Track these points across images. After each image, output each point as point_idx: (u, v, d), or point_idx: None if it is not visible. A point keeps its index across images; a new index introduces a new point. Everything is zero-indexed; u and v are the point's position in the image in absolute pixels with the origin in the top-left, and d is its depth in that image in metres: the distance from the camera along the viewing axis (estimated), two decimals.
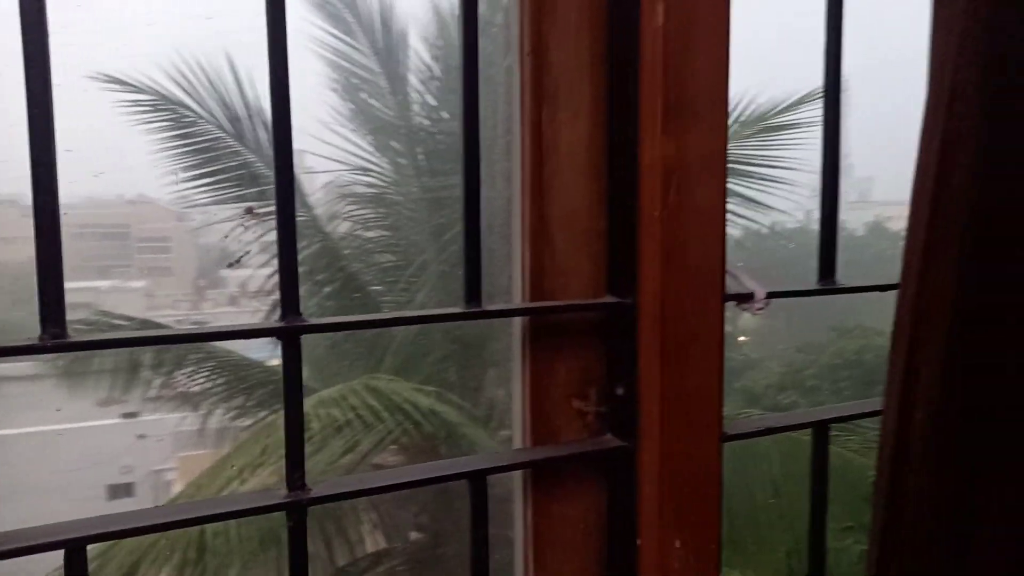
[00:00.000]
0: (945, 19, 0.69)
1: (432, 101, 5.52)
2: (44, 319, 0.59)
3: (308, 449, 4.04)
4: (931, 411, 0.74)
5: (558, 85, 0.78)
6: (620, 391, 0.79)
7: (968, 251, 0.71)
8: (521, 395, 0.80)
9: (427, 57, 5.50)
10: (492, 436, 4.75)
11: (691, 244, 0.75)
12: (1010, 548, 0.72)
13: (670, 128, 0.74)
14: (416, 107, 5.53)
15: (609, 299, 0.79)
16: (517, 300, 0.80)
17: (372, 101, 5.50)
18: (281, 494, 0.67)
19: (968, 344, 0.72)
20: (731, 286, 0.80)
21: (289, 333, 0.66)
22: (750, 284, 0.80)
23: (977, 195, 0.71)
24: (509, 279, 0.82)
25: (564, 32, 0.78)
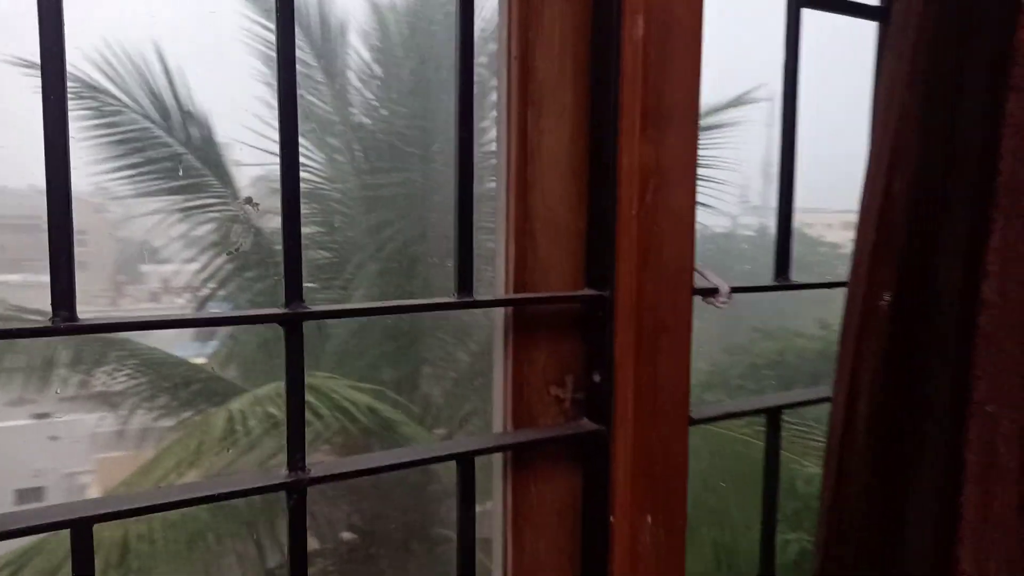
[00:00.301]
0: (895, 46, 0.77)
1: (372, 98, 5.49)
2: (56, 303, 0.61)
3: (242, 448, 3.96)
4: (872, 401, 0.82)
5: (543, 90, 0.82)
6: (596, 378, 0.84)
7: (906, 253, 0.80)
8: (502, 382, 0.85)
9: (366, 55, 5.46)
10: (429, 434, 4.76)
11: (665, 242, 0.81)
12: (933, 536, 0.80)
13: (648, 134, 0.80)
14: (356, 104, 5.49)
15: (588, 292, 0.84)
16: (500, 293, 0.84)
17: (308, 96, 5.43)
18: (283, 474, 0.70)
19: (904, 341, 0.81)
20: (698, 281, 0.86)
21: (292, 319, 0.69)
22: (715, 280, 0.87)
23: (915, 204, 0.79)
24: (493, 272, 0.86)
25: (549, 40, 0.82)
